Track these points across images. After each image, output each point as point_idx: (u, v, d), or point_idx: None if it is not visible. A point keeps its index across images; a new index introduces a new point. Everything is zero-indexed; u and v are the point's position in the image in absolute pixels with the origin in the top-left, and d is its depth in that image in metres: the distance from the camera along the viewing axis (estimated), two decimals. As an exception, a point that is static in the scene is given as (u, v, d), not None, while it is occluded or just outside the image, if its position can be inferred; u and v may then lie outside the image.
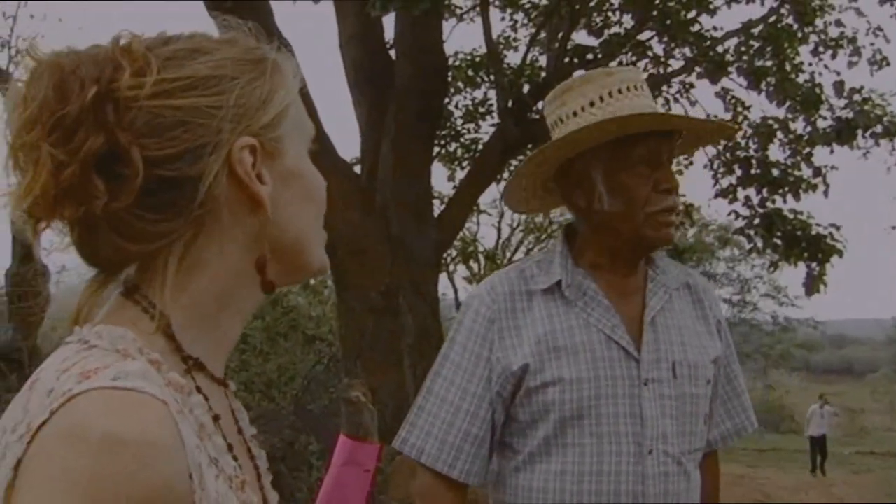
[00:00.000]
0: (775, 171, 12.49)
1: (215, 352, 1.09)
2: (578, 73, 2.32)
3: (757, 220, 12.68)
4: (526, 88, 12.41)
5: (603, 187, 2.17)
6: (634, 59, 12.63)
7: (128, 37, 1.04)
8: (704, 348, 2.29)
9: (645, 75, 2.36)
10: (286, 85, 1.12)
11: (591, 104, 2.18)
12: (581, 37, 12.73)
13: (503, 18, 14.28)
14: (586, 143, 2.16)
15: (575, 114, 2.20)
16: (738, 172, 12.79)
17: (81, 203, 0.97)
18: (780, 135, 12.67)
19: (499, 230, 26.06)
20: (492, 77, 13.43)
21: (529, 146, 13.90)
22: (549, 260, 2.28)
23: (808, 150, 12.42)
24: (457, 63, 14.28)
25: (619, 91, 2.19)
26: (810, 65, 12.62)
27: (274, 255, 1.09)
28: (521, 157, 15.25)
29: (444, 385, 2.23)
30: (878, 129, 11.99)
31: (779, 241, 12.47)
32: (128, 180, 0.97)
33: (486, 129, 14.89)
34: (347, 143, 35.92)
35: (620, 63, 12.11)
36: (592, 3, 12.17)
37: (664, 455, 2.15)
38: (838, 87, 12.14)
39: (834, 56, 12.45)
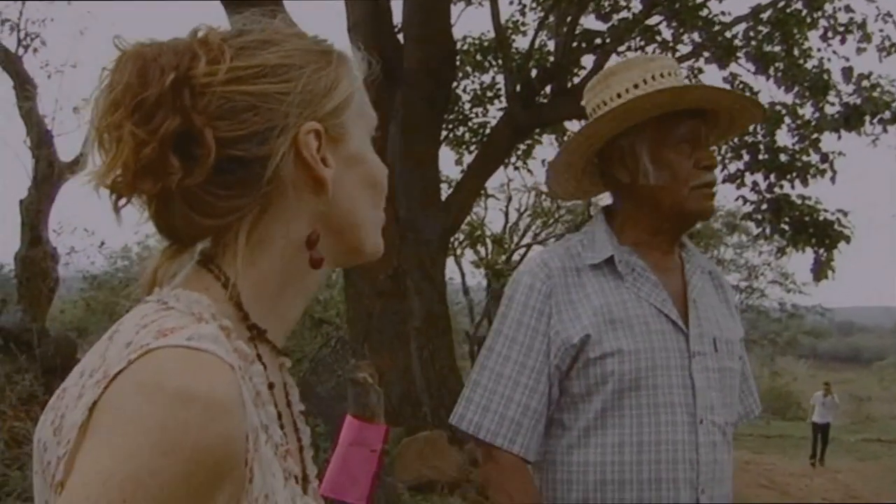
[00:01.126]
0: (783, 157, 12.48)
1: (278, 326, 1.14)
2: (615, 61, 2.37)
3: (765, 206, 12.68)
4: (534, 73, 12.40)
5: (648, 162, 2.24)
6: (643, 43, 12.64)
7: (205, 29, 1.11)
8: (733, 328, 2.37)
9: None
10: (350, 75, 1.18)
11: (636, 86, 2.26)
12: (590, 21, 12.74)
13: (511, 2, 14.28)
14: (638, 114, 2.23)
15: (619, 95, 2.26)
16: (746, 158, 12.78)
17: (158, 179, 1.04)
18: (787, 120, 12.64)
19: (506, 214, 26.06)
20: (500, 61, 13.43)
21: (537, 130, 13.91)
22: (591, 238, 2.33)
23: (815, 135, 12.38)
24: (465, 47, 14.27)
25: (661, 75, 2.26)
26: (819, 50, 12.61)
27: (331, 235, 1.16)
28: (528, 142, 15.28)
29: (498, 360, 2.23)
30: (887, 115, 11.94)
31: (786, 227, 12.48)
32: (201, 159, 1.04)
33: (495, 113, 14.91)
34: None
35: (629, 48, 12.11)
36: (601, -12, 12.17)
37: (712, 425, 2.20)
38: (847, 72, 12.10)
39: (843, 42, 12.43)
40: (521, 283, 2.27)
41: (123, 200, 1.08)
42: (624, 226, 2.32)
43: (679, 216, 2.27)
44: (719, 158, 12.90)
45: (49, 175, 13.78)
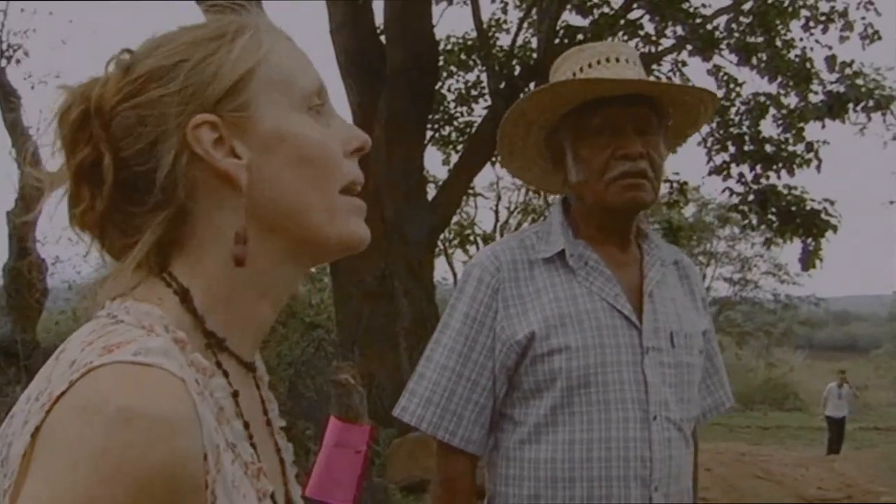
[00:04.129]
0: (768, 147, 12.49)
1: (242, 335, 1.08)
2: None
3: (751, 197, 12.70)
4: (517, 70, 12.40)
5: (570, 159, 2.22)
6: (626, 37, 12.63)
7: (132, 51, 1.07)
8: (695, 320, 2.32)
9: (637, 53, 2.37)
10: (252, 46, 1.07)
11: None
12: (572, 17, 12.74)
13: (493, 1, 14.29)
14: (528, 119, 2.24)
15: None
16: (731, 149, 12.80)
17: (76, 208, 1.03)
18: (772, 110, 12.66)
19: (496, 213, 26.09)
20: (483, 60, 13.45)
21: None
22: (547, 231, 2.29)
23: (800, 124, 12.41)
24: (449, 47, 14.28)
25: (590, 65, 2.23)
26: (801, 40, 12.62)
27: (267, 229, 1.06)
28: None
29: (444, 353, 2.22)
30: (870, 103, 11.96)
31: (773, 218, 12.50)
32: (102, 184, 1.01)
33: (480, 112, 14.93)
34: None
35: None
36: (582, -17, 12.18)
37: (667, 421, 2.16)
38: (830, 61, 12.11)
39: (825, 31, 12.43)
40: (471, 275, 2.25)
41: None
42: (576, 219, 2.29)
43: (603, 211, 2.22)
44: (705, 150, 12.94)
45: (35, 186, 13.75)
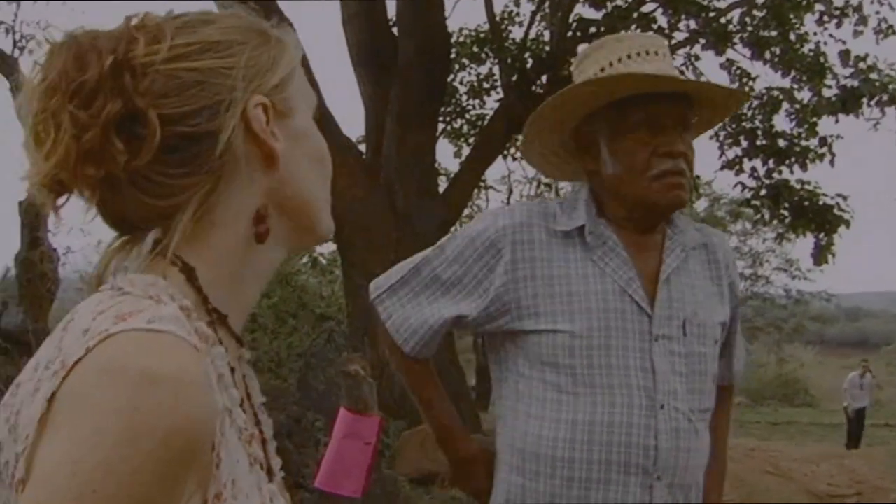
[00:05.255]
0: (781, 142, 12.44)
1: (236, 311, 1.12)
2: (582, 46, 2.33)
3: (764, 192, 12.65)
4: (530, 63, 12.37)
5: (606, 152, 2.19)
6: (639, 30, 12.57)
7: (140, 14, 1.10)
8: (714, 309, 2.29)
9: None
10: (289, 53, 1.17)
11: (602, 70, 2.21)
12: (585, 10, 12.69)
13: (506, -8, 14.23)
14: (572, 108, 2.21)
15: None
16: (744, 144, 12.75)
17: (102, 164, 1.01)
18: (785, 105, 12.60)
19: (508, 207, 26.01)
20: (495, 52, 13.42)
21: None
22: (572, 205, 2.27)
23: (813, 119, 12.35)
24: (461, 39, 14.25)
25: (629, 56, 2.19)
26: (815, 34, 12.56)
27: (284, 213, 1.14)
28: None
29: (431, 274, 2.27)
30: (884, 97, 11.89)
31: (786, 212, 12.45)
32: (146, 139, 1.01)
33: (492, 104, 14.89)
34: (352, 121, 35.92)
35: (625, 36, 12.07)
36: (595, -24, 12.11)
37: (675, 411, 2.14)
38: (844, 55, 12.05)
39: (839, 25, 12.37)
40: (484, 220, 2.30)
41: (63, 199, 1.05)
42: (602, 201, 2.26)
43: (643, 207, 2.20)
44: (717, 145, 12.89)
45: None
